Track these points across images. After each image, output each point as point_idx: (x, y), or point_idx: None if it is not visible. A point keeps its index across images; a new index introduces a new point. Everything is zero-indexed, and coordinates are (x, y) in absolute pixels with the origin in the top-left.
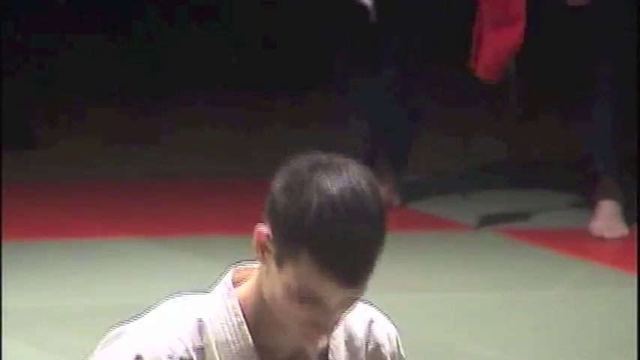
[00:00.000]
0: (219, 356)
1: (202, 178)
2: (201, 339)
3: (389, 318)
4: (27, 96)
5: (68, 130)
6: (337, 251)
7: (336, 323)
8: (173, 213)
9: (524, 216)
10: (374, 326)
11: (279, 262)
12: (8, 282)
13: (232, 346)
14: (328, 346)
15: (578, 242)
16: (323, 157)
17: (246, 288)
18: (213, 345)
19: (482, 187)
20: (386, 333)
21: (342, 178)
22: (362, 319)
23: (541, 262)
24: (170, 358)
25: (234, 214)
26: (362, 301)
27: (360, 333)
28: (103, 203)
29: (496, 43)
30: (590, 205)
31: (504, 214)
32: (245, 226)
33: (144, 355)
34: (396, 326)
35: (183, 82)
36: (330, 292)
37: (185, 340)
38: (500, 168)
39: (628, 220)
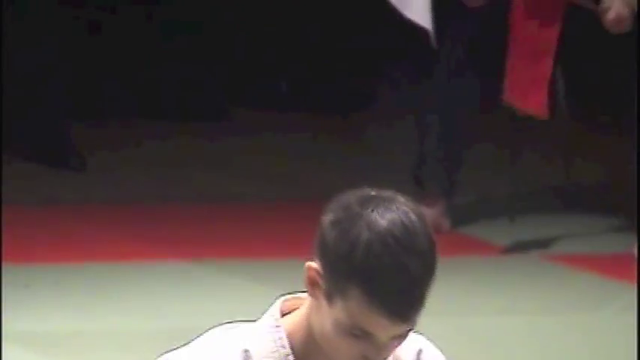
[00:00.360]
0: None
1: (254, 201)
2: None
3: (438, 347)
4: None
5: (118, 152)
6: (387, 287)
7: (386, 357)
8: (224, 236)
9: (570, 240)
10: (423, 356)
11: (330, 298)
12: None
13: None
14: None
15: (624, 267)
16: (372, 192)
17: (294, 320)
18: None
19: (531, 211)
20: None
21: (392, 212)
22: (411, 348)
23: (586, 286)
24: None
25: (286, 239)
26: (413, 330)
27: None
28: (152, 225)
29: (532, 76)
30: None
31: (549, 239)
32: (297, 251)
33: None
34: (444, 355)
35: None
36: (380, 327)
37: None
38: (549, 191)
39: None
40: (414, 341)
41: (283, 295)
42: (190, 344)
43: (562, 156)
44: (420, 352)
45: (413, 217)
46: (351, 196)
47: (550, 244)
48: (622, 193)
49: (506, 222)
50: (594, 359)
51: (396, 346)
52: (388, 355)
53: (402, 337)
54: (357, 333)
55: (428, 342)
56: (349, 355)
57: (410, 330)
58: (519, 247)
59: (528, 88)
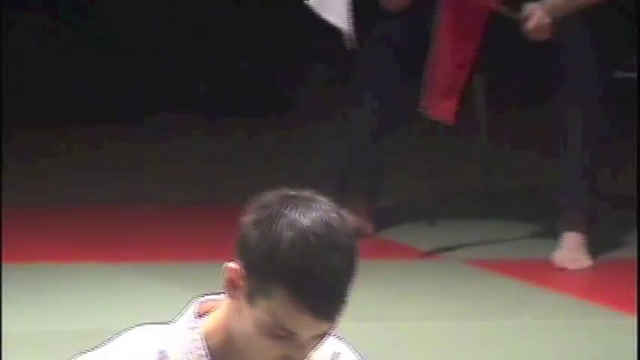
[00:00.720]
0: None
1: (171, 204)
2: None
3: (355, 350)
4: None
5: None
6: (311, 285)
7: (305, 357)
8: (142, 238)
9: (489, 245)
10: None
11: (251, 299)
12: None
13: None
14: None
15: (543, 273)
16: (291, 192)
17: (211, 321)
18: None
19: (450, 216)
20: None
21: (313, 210)
22: (327, 352)
23: (505, 292)
24: None
25: (204, 242)
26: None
27: None
28: (76, 228)
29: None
30: (555, 237)
31: (469, 244)
32: (215, 254)
33: None
34: (362, 358)
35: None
36: (304, 326)
37: None
38: (468, 197)
39: (595, 252)
40: (330, 345)
41: (200, 296)
42: (105, 345)
43: (482, 162)
44: (336, 355)
45: (333, 215)
46: (271, 196)
47: (471, 249)
48: (540, 199)
49: (427, 226)
50: None
51: (316, 346)
52: (308, 355)
53: (324, 335)
54: (279, 333)
55: (344, 345)
56: (270, 356)
57: (333, 328)
58: (440, 252)
59: (442, 97)
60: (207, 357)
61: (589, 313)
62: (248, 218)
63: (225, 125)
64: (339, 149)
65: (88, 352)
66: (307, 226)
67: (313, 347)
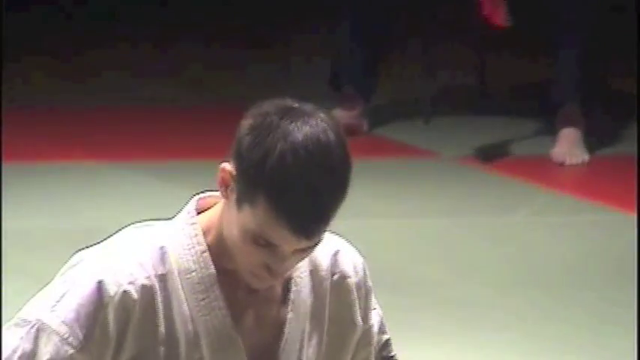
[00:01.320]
0: (182, 284)
1: (169, 104)
2: (164, 266)
3: (356, 248)
4: None
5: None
6: (294, 200)
7: (288, 269)
8: (138, 138)
9: (485, 143)
10: (339, 257)
11: (239, 202)
12: None
13: (194, 274)
14: (291, 277)
15: (540, 169)
16: (293, 103)
17: (209, 217)
18: (176, 273)
19: (447, 115)
20: (352, 264)
21: (310, 126)
22: (327, 249)
23: (503, 189)
24: (132, 284)
25: (200, 141)
26: (328, 230)
27: (324, 263)
28: (67, 127)
29: None
30: (553, 133)
31: (465, 142)
32: (212, 154)
33: (105, 280)
34: (363, 256)
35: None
36: (284, 240)
37: (147, 267)
38: (465, 96)
39: (590, 147)
40: (330, 242)
41: (199, 193)
42: (106, 241)
43: (477, 58)
44: (336, 252)
45: (330, 134)
46: (271, 105)
47: (466, 146)
48: (539, 96)
49: (422, 124)
50: (510, 259)
51: (300, 260)
52: (291, 268)
53: (306, 251)
54: (261, 242)
55: (344, 243)
56: (252, 263)
57: (314, 246)
58: (435, 150)
59: (496, 6)
60: (206, 252)
61: (585, 210)
62: (246, 123)
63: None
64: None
65: (89, 249)
66: (300, 141)
67: (296, 262)
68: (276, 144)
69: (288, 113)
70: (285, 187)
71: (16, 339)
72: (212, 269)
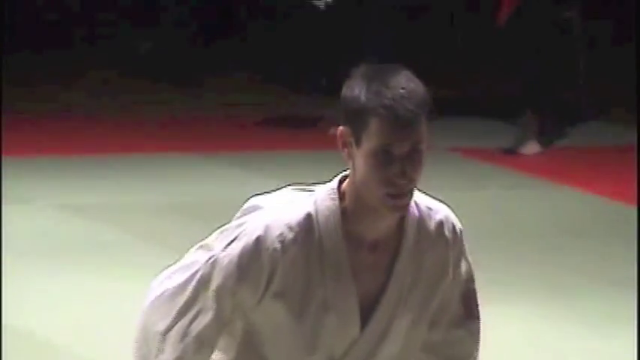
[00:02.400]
0: (319, 242)
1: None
2: (308, 228)
3: (458, 217)
4: None
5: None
6: (392, 105)
7: (412, 173)
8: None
9: (464, 135)
10: (442, 220)
11: (358, 140)
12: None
13: (329, 237)
14: (405, 231)
15: (503, 157)
16: (380, 64)
17: (344, 186)
18: (317, 234)
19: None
20: (452, 226)
21: (399, 74)
22: (432, 213)
23: (472, 170)
24: (281, 242)
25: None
26: (434, 198)
27: (430, 225)
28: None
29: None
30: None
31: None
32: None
33: (263, 235)
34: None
35: None
36: (395, 137)
37: (295, 228)
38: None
39: (543, 142)
40: (438, 211)
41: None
42: (273, 195)
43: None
44: (439, 216)
45: (414, 77)
46: (363, 67)
47: (447, 139)
48: (507, 99)
49: None
50: (478, 234)
51: (417, 166)
52: (413, 173)
53: (415, 154)
54: (382, 156)
55: (446, 209)
56: (383, 180)
57: (419, 146)
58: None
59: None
60: (339, 219)
61: (543, 186)
62: (347, 84)
63: None
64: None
65: (260, 197)
66: (387, 73)
67: (414, 166)
68: (368, 81)
69: (377, 68)
70: (382, 102)
71: (201, 260)
72: (341, 233)
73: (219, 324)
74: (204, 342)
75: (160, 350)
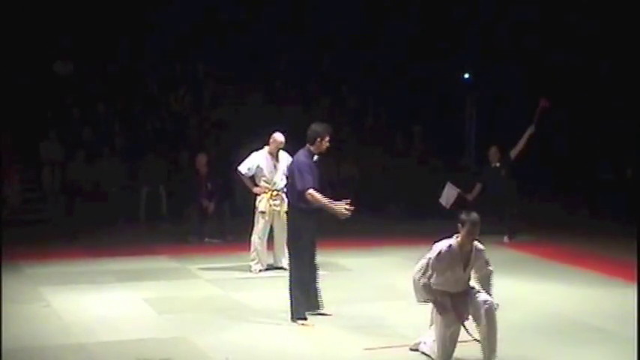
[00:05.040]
0: (450, 254)
1: None
2: (449, 245)
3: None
4: None
5: None
6: (474, 225)
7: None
8: None
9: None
10: (477, 244)
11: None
12: None
13: (454, 250)
14: (472, 249)
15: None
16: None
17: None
18: (456, 248)
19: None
20: (482, 246)
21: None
22: (477, 244)
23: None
24: (440, 250)
25: None
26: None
27: (477, 247)
28: None
29: None
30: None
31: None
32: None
33: (438, 245)
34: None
35: None
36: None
37: (445, 245)
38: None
39: (510, 237)
40: (478, 245)
41: None
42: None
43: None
44: (477, 244)
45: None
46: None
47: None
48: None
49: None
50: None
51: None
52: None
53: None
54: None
55: (478, 243)
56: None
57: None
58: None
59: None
60: (457, 245)
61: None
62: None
63: None
64: None
65: (441, 242)
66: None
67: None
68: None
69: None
70: (472, 223)
71: (424, 260)
72: (457, 249)
73: (428, 275)
74: (427, 281)
75: (418, 280)
